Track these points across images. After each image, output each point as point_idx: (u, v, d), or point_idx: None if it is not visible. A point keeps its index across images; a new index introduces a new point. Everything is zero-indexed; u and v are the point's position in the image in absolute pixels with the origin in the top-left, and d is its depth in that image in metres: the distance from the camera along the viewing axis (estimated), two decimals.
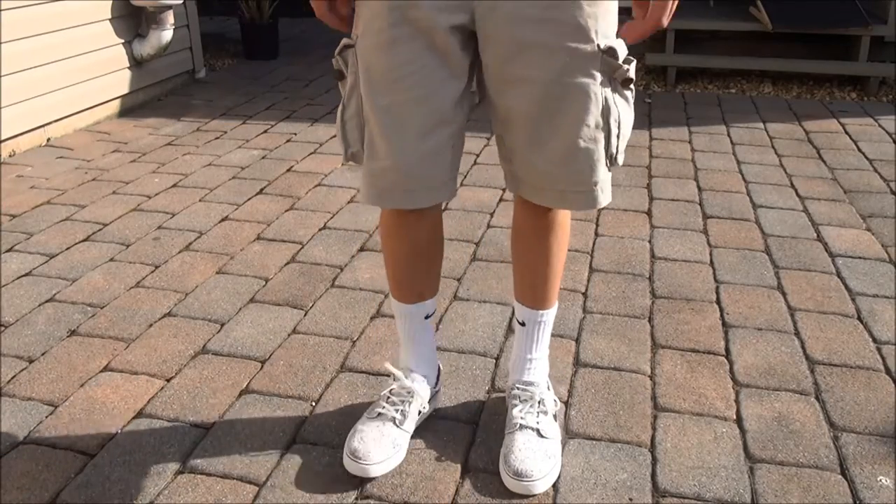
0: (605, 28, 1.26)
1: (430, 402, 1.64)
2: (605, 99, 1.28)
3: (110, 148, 3.51)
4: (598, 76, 1.27)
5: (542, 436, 1.52)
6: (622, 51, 1.27)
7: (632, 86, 1.32)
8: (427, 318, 1.61)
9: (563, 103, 1.27)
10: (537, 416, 1.54)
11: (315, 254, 2.45)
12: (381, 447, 1.50)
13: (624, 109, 1.32)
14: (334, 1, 1.31)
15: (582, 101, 1.27)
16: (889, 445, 1.59)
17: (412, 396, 1.58)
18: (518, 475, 1.45)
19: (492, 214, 2.72)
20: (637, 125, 3.76)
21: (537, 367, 1.61)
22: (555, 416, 1.59)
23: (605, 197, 1.35)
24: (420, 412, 1.61)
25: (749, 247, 2.47)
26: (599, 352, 1.91)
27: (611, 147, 1.32)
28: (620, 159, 1.35)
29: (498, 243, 2.48)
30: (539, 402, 1.57)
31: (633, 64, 1.29)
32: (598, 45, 1.25)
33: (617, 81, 1.29)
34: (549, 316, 1.58)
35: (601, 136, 1.30)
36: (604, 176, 1.34)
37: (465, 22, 1.25)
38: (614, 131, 1.31)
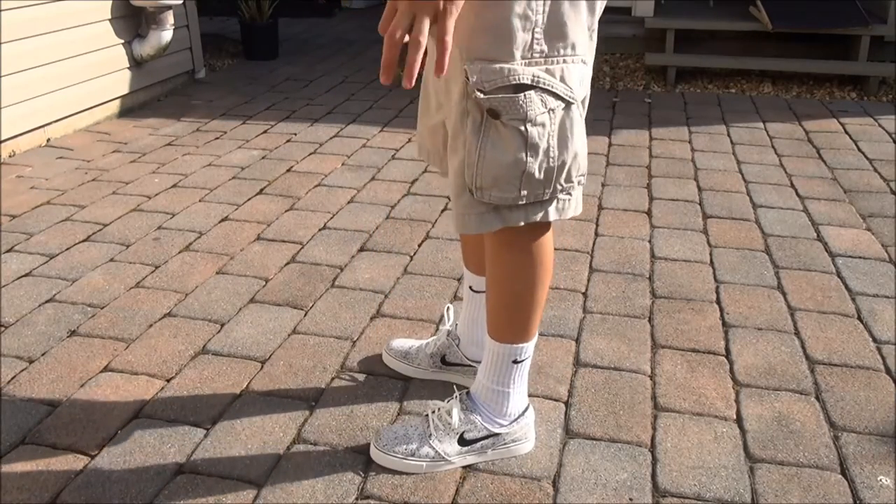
0: (471, 50, 1.19)
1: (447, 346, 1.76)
2: (469, 129, 1.24)
3: (110, 148, 3.51)
4: (466, 103, 1.22)
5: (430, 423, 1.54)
6: (487, 77, 1.18)
7: (507, 119, 1.20)
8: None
9: (453, 128, 1.29)
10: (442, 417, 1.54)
11: (315, 254, 2.45)
12: (401, 344, 1.85)
13: (489, 144, 1.23)
14: None
15: (456, 128, 1.26)
16: (889, 445, 1.59)
17: (440, 338, 1.78)
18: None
19: None
20: (637, 125, 3.76)
21: (478, 387, 1.54)
22: (457, 435, 1.52)
23: (473, 225, 1.30)
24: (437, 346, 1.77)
25: (749, 247, 2.47)
26: (599, 352, 1.91)
27: (465, 179, 1.27)
28: (484, 196, 1.26)
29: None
30: (448, 413, 1.53)
31: (520, 95, 1.18)
32: (465, 69, 1.19)
33: (484, 110, 1.20)
34: (500, 349, 1.46)
35: (461, 167, 1.28)
36: (468, 206, 1.29)
37: None
38: (467, 160, 1.25)
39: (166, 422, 1.67)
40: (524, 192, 1.26)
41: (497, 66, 1.18)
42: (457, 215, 1.32)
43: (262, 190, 2.98)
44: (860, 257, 2.40)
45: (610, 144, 3.47)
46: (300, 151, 3.42)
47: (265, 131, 3.73)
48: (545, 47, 1.19)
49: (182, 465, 1.55)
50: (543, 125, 1.22)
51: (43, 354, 1.93)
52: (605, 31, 5.18)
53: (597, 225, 2.64)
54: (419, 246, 2.49)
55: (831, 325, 2.03)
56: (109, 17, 3.89)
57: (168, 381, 1.82)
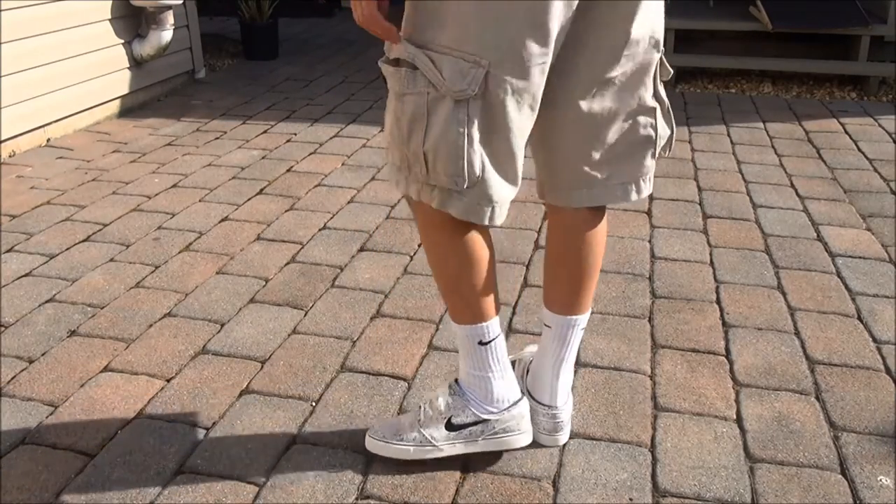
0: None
1: None
2: None
3: (110, 148, 3.51)
4: None
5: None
6: (388, 47, 1.32)
7: (389, 87, 1.32)
8: None
9: None
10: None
11: (315, 254, 2.45)
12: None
13: (387, 107, 1.35)
14: None
15: None
16: (889, 445, 1.59)
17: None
18: None
19: None
20: None
21: (462, 374, 1.56)
22: (444, 420, 1.52)
23: (389, 176, 1.41)
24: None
25: (749, 247, 2.47)
26: (599, 352, 1.91)
27: None
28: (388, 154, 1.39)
29: (497, 243, 2.48)
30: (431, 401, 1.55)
31: (396, 69, 1.28)
32: None
33: None
34: (461, 331, 1.49)
35: None
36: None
37: None
38: None
39: (166, 422, 1.67)
40: (398, 163, 1.33)
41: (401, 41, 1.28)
42: None
43: (262, 190, 2.98)
44: (860, 257, 2.40)
45: None
46: (300, 151, 3.42)
47: (265, 131, 3.73)
48: (429, 33, 1.24)
49: (182, 465, 1.55)
50: (411, 104, 1.26)
51: (43, 354, 1.93)
52: None
53: None
54: (419, 246, 2.49)
55: (831, 325, 2.03)
56: (109, 17, 3.89)
57: (168, 381, 1.82)
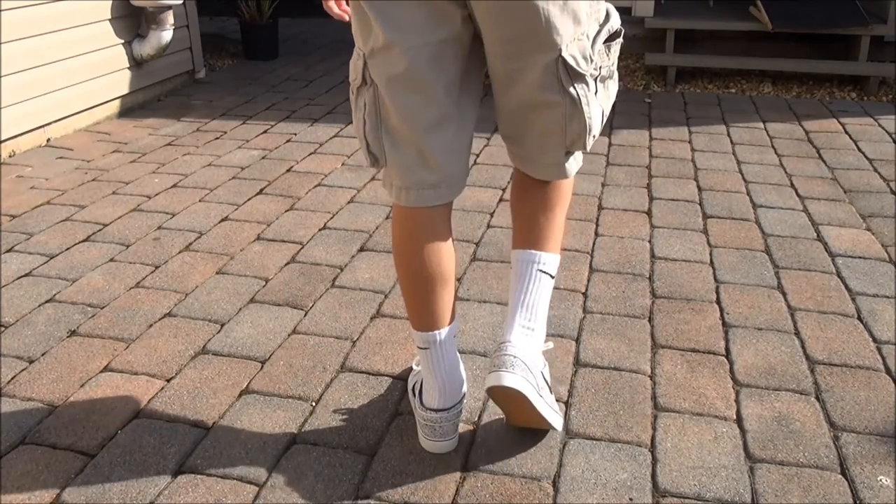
0: None
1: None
2: None
3: (110, 148, 3.51)
4: None
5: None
6: None
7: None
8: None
9: None
10: None
11: (315, 254, 2.45)
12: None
13: None
14: None
15: None
16: (889, 445, 1.59)
17: None
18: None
19: (492, 214, 2.72)
20: (637, 125, 3.76)
21: None
22: None
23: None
24: None
25: (749, 247, 2.47)
26: (599, 352, 1.91)
27: None
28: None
29: (498, 243, 2.48)
30: None
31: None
32: None
33: None
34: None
35: None
36: None
37: None
38: None
39: (166, 422, 1.68)
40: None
41: None
42: None
43: (262, 190, 2.98)
44: (860, 257, 2.40)
45: (610, 144, 3.47)
46: (300, 151, 3.42)
47: (265, 131, 3.73)
48: None
49: (182, 465, 1.55)
50: (349, 91, 1.45)
51: (43, 354, 1.93)
52: None
53: (597, 225, 2.64)
54: None
55: (831, 325, 2.03)
56: (109, 17, 3.89)
57: (168, 381, 1.82)
